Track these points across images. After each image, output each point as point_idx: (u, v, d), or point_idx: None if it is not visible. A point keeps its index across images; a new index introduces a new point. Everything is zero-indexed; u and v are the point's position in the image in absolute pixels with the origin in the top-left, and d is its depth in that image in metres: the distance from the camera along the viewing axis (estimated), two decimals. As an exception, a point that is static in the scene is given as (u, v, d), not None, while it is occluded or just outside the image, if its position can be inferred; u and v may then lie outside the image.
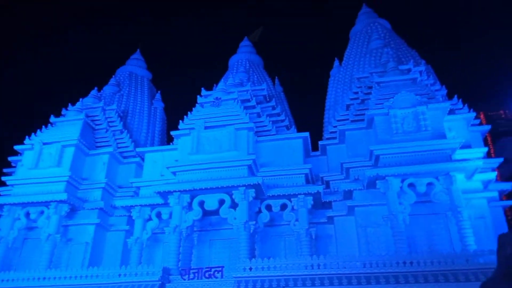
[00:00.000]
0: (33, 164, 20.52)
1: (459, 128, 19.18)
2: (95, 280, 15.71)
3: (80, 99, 24.22)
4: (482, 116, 44.34)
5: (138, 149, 22.65)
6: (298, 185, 18.84)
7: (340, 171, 19.38)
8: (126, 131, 24.04)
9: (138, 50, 30.73)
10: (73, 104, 24.00)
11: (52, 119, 23.01)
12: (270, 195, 18.61)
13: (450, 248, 15.87)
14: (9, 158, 22.58)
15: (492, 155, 39.98)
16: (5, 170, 22.61)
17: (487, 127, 20.48)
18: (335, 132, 21.28)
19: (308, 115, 27.06)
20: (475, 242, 15.18)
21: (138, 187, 21.07)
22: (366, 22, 27.50)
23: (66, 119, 22.72)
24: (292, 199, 18.52)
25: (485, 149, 18.52)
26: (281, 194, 18.59)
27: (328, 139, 21.61)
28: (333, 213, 18.59)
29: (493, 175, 17.73)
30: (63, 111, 23.81)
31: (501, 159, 18.64)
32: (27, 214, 19.34)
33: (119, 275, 15.79)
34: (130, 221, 20.29)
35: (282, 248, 18.24)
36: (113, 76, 28.29)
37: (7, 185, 21.05)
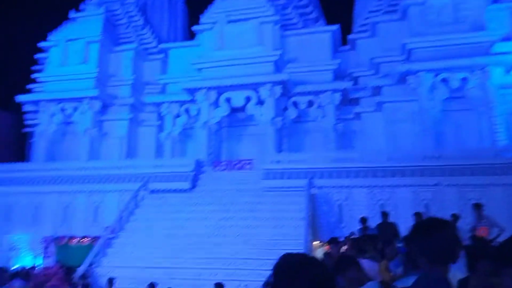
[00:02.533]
0: (60, 61, 20.68)
1: (502, 19, 17.82)
2: (133, 170, 16.81)
3: (98, -8, 23.22)
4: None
5: (161, 45, 22.29)
6: (325, 82, 18.60)
7: (370, 67, 18.84)
8: (148, 26, 23.40)
9: None
10: (91, -3, 23.09)
11: (73, 14, 22.42)
12: (297, 91, 18.55)
13: (480, 144, 15.96)
14: (35, 56, 22.70)
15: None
16: (32, 68, 22.88)
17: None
18: (366, 24, 20.13)
19: (337, 6, 25.35)
20: (506, 138, 15.17)
21: (165, 84, 21.25)
22: None
23: (87, 14, 22.11)
24: (319, 95, 18.45)
25: (528, 43, 17.40)
26: (308, 91, 18.51)
27: (358, 32, 20.55)
28: (361, 109, 18.58)
29: (532, 69, 16.94)
30: (81, 6, 23.07)
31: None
32: (62, 110, 20.11)
33: (155, 166, 16.81)
34: (160, 117, 20.90)
35: (309, 144, 18.72)
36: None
37: (38, 82, 21.50)
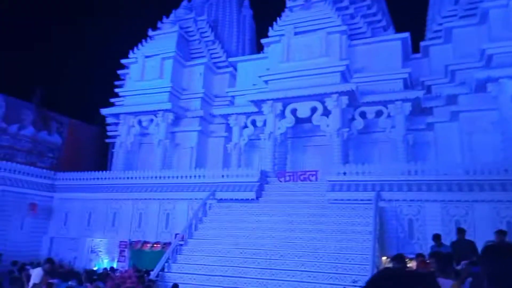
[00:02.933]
0: (138, 77, 22.28)
1: None
2: (202, 179, 17.46)
3: (173, 11, 24.75)
4: None
5: (230, 59, 23.09)
6: (395, 91, 17.94)
7: (444, 74, 17.86)
8: (217, 41, 24.41)
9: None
10: (167, 16, 24.68)
11: (150, 32, 24.10)
12: (365, 101, 18.11)
13: None
14: (118, 71, 24.69)
15: None
16: (115, 83, 24.89)
17: None
18: (439, 30, 19.18)
19: (408, 13, 24.43)
20: None
21: (233, 96, 21.93)
22: None
23: (162, 32, 23.64)
24: (388, 105, 17.84)
25: None
26: (376, 101, 17.98)
27: (431, 39, 19.63)
28: (434, 119, 17.63)
29: None
30: (158, 24, 24.70)
31: None
32: (140, 122, 21.59)
33: (223, 176, 17.32)
34: (228, 128, 21.55)
35: (377, 155, 18.13)
36: (201, -15, 27.97)
37: (119, 96, 23.33)
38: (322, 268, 11.33)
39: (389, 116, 17.87)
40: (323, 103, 18.04)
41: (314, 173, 16.54)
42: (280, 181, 17.04)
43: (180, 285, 10.84)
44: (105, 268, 15.63)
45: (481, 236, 10.37)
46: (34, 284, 8.55)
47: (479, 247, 8.86)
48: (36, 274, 8.86)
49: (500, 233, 9.11)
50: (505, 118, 14.94)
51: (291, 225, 13.77)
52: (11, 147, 19.27)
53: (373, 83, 18.57)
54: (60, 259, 17.25)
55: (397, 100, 17.66)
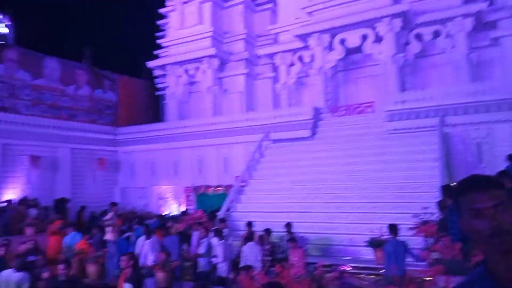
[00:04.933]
0: (178, 25, 21.99)
1: None
2: (255, 122, 17.51)
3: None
4: None
5: (269, -6, 22.00)
6: (454, 6, 16.38)
7: (511, -19, 15.92)
8: (253, -24, 23.19)
9: None
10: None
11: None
12: (420, 22, 16.76)
13: None
14: (157, 22, 24.46)
15: None
16: (157, 34, 24.77)
17: None
18: None
19: None
20: None
21: (276, 34, 21.15)
22: None
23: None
24: (447, 23, 16.41)
25: None
26: (433, 20, 16.57)
27: None
28: (499, 33, 16.07)
29: None
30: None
31: None
32: (186, 71, 21.63)
33: (275, 116, 17.23)
34: (275, 68, 21.07)
35: (436, 80, 17.02)
36: None
37: (163, 47, 23.31)
38: (387, 198, 11.25)
39: (448, 35, 16.50)
40: (374, 29, 16.95)
41: (370, 104, 16.00)
42: (335, 116, 16.70)
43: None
44: (176, 213, 16.64)
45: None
46: (109, 226, 9.25)
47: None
48: (108, 218, 9.57)
49: None
50: None
51: (350, 158, 13.62)
52: (71, 108, 20.23)
53: (427, 1, 17.03)
54: (133, 207, 18.53)
55: (456, 16, 16.16)
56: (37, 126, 17.77)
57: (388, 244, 7.76)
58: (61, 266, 6.35)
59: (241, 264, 8.11)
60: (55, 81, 19.68)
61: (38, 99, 18.73)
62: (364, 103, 16.58)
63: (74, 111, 20.29)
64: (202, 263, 8.80)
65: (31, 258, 7.77)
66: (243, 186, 14.71)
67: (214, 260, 8.63)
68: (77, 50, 20.91)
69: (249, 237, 8.80)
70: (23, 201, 15.82)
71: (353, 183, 12.38)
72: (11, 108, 17.67)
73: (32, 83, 18.64)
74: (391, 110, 14.42)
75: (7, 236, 10.93)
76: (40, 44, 19.26)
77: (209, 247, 8.84)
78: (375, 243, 9.06)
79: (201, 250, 8.92)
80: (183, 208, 17.55)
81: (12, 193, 16.48)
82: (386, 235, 8.27)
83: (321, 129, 16.26)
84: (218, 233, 8.99)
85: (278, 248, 9.69)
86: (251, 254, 8.21)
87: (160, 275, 7.02)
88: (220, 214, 12.81)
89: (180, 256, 9.53)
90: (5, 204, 15.23)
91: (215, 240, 8.85)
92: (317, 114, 16.88)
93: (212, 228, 10.02)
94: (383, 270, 7.81)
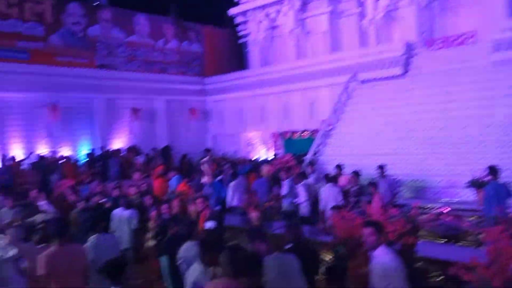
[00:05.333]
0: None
1: None
2: (341, 63, 16.80)
3: None
4: None
5: None
6: None
7: None
8: None
9: None
10: None
11: None
12: None
13: None
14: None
15: None
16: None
17: None
18: None
19: None
20: None
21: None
22: None
23: None
24: None
25: None
26: None
27: None
28: None
29: None
30: None
31: None
32: (267, 15, 21.21)
33: (362, 55, 16.32)
34: (360, 3, 19.59)
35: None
36: None
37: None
38: (491, 136, 10.28)
39: None
40: None
41: (471, 34, 14.28)
42: (430, 50, 15.28)
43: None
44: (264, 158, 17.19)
45: None
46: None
47: None
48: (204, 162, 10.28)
49: None
50: None
51: (448, 96, 12.55)
52: (162, 61, 21.29)
53: None
54: (223, 152, 19.55)
55: None
56: (135, 80, 19.24)
57: (489, 187, 7.22)
58: (164, 206, 6.98)
59: (320, 205, 8.21)
60: (146, 37, 20.69)
61: (132, 55, 19.96)
62: (465, 33, 14.83)
63: (164, 64, 21.33)
64: (285, 203, 9.07)
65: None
66: (330, 129, 14.51)
67: (296, 200, 8.84)
68: (163, 4, 21.49)
69: (329, 178, 8.77)
70: (131, 149, 17.57)
71: (450, 122, 11.47)
72: (111, 65, 19.12)
73: (126, 40, 19.83)
74: (498, 39, 12.73)
75: (118, 180, 12.45)
76: (129, 2, 20.13)
77: (292, 188, 9.03)
78: (477, 183, 8.47)
79: (284, 191, 9.17)
80: (271, 153, 18.01)
81: (119, 143, 18.38)
82: (486, 177, 7.67)
83: (414, 66, 15.07)
84: (301, 175, 9.14)
85: (366, 190, 9.54)
86: (329, 195, 8.24)
87: (253, 214, 7.39)
88: (307, 158, 12.89)
89: (269, 197, 9.90)
90: (116, 151, 17.05)
91: (297, 181, 8.99)
92: (409, 49, 15.60)
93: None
94: (482, 213, 7.34)
